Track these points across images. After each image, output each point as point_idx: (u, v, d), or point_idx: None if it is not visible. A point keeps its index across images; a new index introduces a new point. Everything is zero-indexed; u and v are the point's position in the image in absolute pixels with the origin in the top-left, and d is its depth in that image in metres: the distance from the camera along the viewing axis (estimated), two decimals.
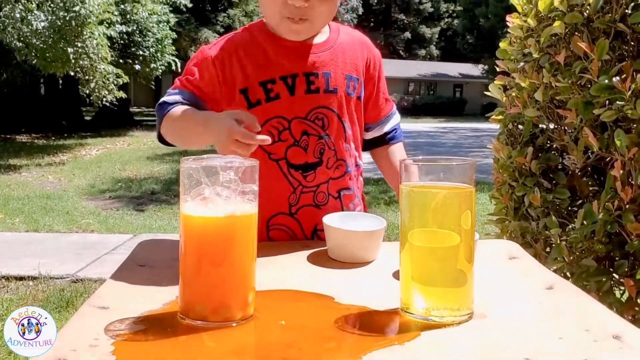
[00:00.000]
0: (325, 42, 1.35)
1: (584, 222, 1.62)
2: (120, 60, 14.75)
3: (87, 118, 21.03)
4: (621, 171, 1.51)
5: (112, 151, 12.30)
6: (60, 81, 17.98)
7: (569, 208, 1.82)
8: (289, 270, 1.11)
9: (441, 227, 0.86)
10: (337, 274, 1.10)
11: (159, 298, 0.92)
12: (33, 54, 10.35)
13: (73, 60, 10.57)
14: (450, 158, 0.89)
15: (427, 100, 36.01)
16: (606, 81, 1.52)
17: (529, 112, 1.85)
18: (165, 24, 16.16)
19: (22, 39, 10.10)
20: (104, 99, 11.97)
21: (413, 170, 0.90)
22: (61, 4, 10.14)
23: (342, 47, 1.37)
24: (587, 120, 1.62)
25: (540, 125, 1.92)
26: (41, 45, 10.16)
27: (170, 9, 16.76)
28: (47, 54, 10.38)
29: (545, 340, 0.79)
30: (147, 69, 16.26)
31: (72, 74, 11.55)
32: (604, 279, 1.61)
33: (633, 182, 1.51)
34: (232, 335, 0.82)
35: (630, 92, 1.47)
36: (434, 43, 46.65)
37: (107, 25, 12.20)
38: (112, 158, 10.97)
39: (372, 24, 43.69)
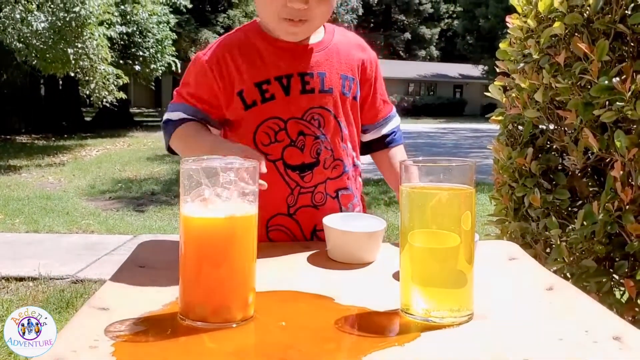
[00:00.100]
0: (320, 43, 1.35)
1: (584, 222, 1.62)
2: (120, 61, 14.77)
3: (87, 119, 21.04)
4: (621, 172, 1.51)
5: (112, 152, 12.30)
6: (61, 82, 17.98)
7: (569, 209, 1.82)
8: (289, 271, 1.11)
9: (441, 228, 0.86)
10: (337, 274, 1.10)
11: (159, 299, 0.92)
12: (33, 54, 10.35)
13: (73, 61, 10.58)
14: (450, 159, 0.89)
15: (427, 101, 36.02)
16: (606, 82, 1.52)
17: (529, 112, 1.85)
18: (165, 24, 16.18)
19: (22, 39, 10.11)
20: (104, 100, 11.97)
21: (413, 171, 0.90)
22: (61, 5, 10.15)
23: (336, 48, 1.37)
24: (587, 121, 1.63)
25: (540, 126, 1.92)
26: (41, 46, 10.17)
27: (170, 9, 16.78)
28: (47, 55, 10.38)
29: (545, 341, 0.79)
30: (147, 70, 16.28)
31: (72, 74, 11.56)
32: (604, 280, 1.61)
33: (633, 183, 1.51)
34: (232, 336, 0.82)
35: (630, 93, 1.47)
36: (434, 44, 46.66)
37: (107, 26, 12.21)
38: (112, 159, 10.97)
39: (372, 24, 43.71)
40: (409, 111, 31.63)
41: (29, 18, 9.98)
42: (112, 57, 12.16)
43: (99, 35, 11.06)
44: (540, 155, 1.89)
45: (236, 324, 0.84)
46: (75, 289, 3.62)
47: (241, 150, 1.17)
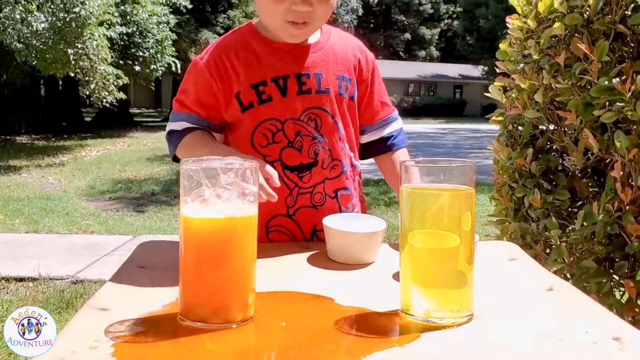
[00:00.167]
0: (316, 44, 1.36)
1: (584, 223, 1.62)
2: (120, 62, 14.77)
3: (87, 119, 21.05)
4: (621, 172, 1.51)
5: (112, 152, 12.31)
6: (60, 82, 17.98)
7: (569, 209, 1.82)
8: (289, 272, 1.11)
9: (441, 228, 0.86)
10: (337, 275, 1.10)
11: (159, 299, 0.92)
12: (33, 55, 10.35)
13: (73, 62, 10.58)
14: (451, 159, 0.89)
15: (427, 102, 36.02)
16: (606, 82, 1.52)
17: (529, 113, 1.85)
18: (165, 25, 16.18)
19: (22, 40, 10.11)
20: (104, 100, 11.96)
21: (413, 172, 0.90)
22: (61, 5, 10.15)
23: (333, 48, 1.37)
24: (587, 121, 1.62)
25: (540, 127, 1.92)
26: (41, 46, 10.17)
27: (170, 10, 16.77)
28: (47, 55, 10.38)
29: (545, 341, 0.79)
30: (147, 70, 16.28)
31: (72, 75, 11.56)
32: (604, 280, 1.61)
33: (633, 184, 1.51)
34: (232, 336, 0.82)
35: (630, 93, 1.47)
36: (434, 44, 46.65)
37: (107, 26, 12.21)
38: (112, 159, 10.97)
39: (372, 25, 43.71)
40: (409, 112, 31.61)
41: (29, 18, 9.98)
42: (112, 57, 12.16)
43: (99, 36, 11.06)
44: (540, 155, 1.89)
45: (236, 325, 0.84)
46: (75, 290, 3.62)
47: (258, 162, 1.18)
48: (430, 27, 45.60)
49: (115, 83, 11.98)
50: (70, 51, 10.36)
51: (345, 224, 1.19)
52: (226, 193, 0.84)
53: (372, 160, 1.53)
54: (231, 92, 1.31)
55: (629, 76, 1.48)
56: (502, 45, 2.07)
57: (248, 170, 0.86)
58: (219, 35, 20.26)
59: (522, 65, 1.92)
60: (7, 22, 9.93)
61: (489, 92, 2.11)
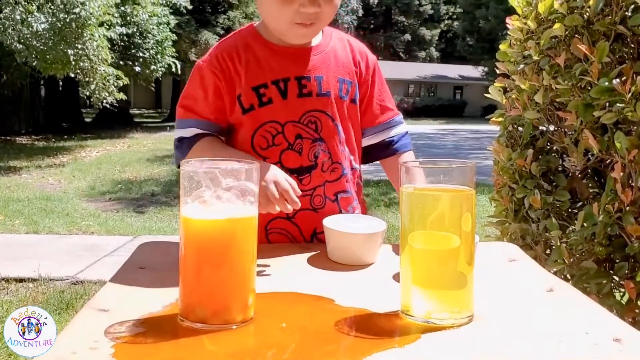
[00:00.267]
0: (317, 46, 1.36)
1: (584, 224, 1.62)
2: (121, 62, 14.77)
3: (87, 120, 21.07)
4: (621, 173, 1.51)
5: (112, 153, 12.31)
6: (61, 83, 18.01)
7: (569, 210, 1.82)
8: (289, 273, 1.11)
9: (441, 229, 0.86)
10: (337, 276, 1.10)
11: (159, 300, 0.92)
12: (33, 55, 10.36)
13: (73, 62, 10.58)
14: (451, 160, 0.89)
15: (427, 102, 36.03)
16: (606, 83, 1.52)
17: (529, 114, 1.85)
18: (165, 25, 16.19)
19: (22, 40, 10.11)
20: (104, 101, 11.96)
21: (413, 173, 0.90)
22: (61, 6, 10.16)
23: (334, 51, 1.37)
24: (587, 122, 1.62)
25: (540, 128, 1.92)
26: (41, 47, 10.17)
27: (170, 10, 16.79)
28: (48, 56, 10.39)
29: (545, 342, 0.79)
30: (147, 71, 16.29)
31: (72, 75, 11.56)
32: (604, 281, 1.61)
33: (633, 184, 1.51)
34: (232, 337, 0.82)
35: (630, 94, 1.47)
36: (434, 45, 46.68)
37: (107, 27, 12.22)
38: (112, 160, 10.97)
39: (372, 25, 43.75)
40: (409, 112, 31.59)
41: (29, 19, 9.99)
42: (112, 58, 12.16)
43: (99, 37, 11.07)
44: (540, 156, 1.89)
45: (236, 326, 0.84)
46: (75, 290, 3.62)
47: (280, 170, 1.22)
48: (430, 28, 45.62)
49: (116, 84, 11.98)
50: (70, 52, 10.37)
51: (345, 224, 1.19)
52: (226, 194, 0.84)
53: (370, 161, 1.52)
54: (234, 93, 1.31)
55: (629, 77, 1.48)
56: (502, 46, 2.07)
57: (249, 172, 0.86)
58: (219, 36, 20.29)
59: (522, 66, 1.92)
60: (8, 22, 9.93)
61: (489, 93, 2.11)
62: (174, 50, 16.78)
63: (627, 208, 1.50)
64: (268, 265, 1.14)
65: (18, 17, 9.91)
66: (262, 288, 0.94)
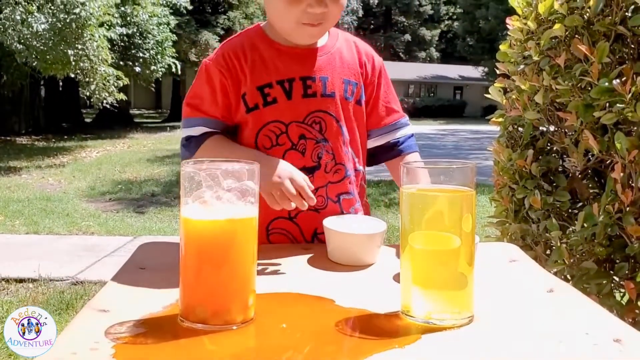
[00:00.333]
0: (323, 47, 1.36)
1: (585, 224, 1.62)
2: (121, 62, 14.78)
3: (87, 120, 21.08)
4: (621, 174, 1.51)
5: (112, 153, 12.30)
6: (61, 83, 18.01)
7: (570, 210, 1.82)
8: (289, 273, 1.11)
9: (442, 230, 0.86)
10: (338, 276, 1.10)
11: (159, 301, 0.92)
12: (33, 56, 10.36)
13: (73, 63, 10.58)
14: (451, 161, 0.89)
15: (427, 103, 36.02)
16: (606, 84, 1.52)
17: (529, 114, 1.85)
18: (166, 26, 16.20)
19: (22, 41, 10.11)
20: (104, 101, 11.97)
21: (413, 173, 0.90)
22: (62, 6, 10.16)
23: (340, 52, 1.37)
24: (587, 122, 1.62)
25: (540, 128, 1.92)
26: (41, 47, 10.18)
27: (171, 11, 16.80)
28: (48, 56, 10.39)
29: (545, 343, 0.79)
30: (148, 71, 16.29)
31: (72, 76, 11.56)
32: (604, 282, 1.61)
33: (633, 185, 1.51)
34: (233, 338, 0.82)
35: (630, 94, 1.47)
36: (434, 45, 46.69)
37: (107, 27, 12.22)
38: (112, 160, 10.97)
39: (372, 26, 43.77)
40: (409, 113, 30.71)
41: (30, 19, 9.99)
42: (112, 58, 12.17)
43: (99, 37, 11.07)
44: (540, 157, 1.89)
45: (236, 326, 0.84)
46: (75, 291, 3.62)
47: (292, 167, 1.24)
48: (430, 28, 45.63)
49: (116, 84, 11.99)
50: (70, 52, 10.37)
51: (345, 225, 1.19)
52: (227, 195, 0.84)
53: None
54: (239, 92, 1.31)
55: (629, 77, 1.48)
56: (502, 47, 2.07)
57: (249, 172, 0.86)
58: (219, 36, 20.30)
59: (522, 66, 1.92)
60: (8, 23, 9.94)
61: (489, 93, 2.11)
62: (174, 50, 16.79)
63: (627, 208, 1.50)
64: (268, 265, 1.14)
65: (18, 17, 9.91)
66: (262, 289, 0.94)
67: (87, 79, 11.39)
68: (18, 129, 15.99)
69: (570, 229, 1.77)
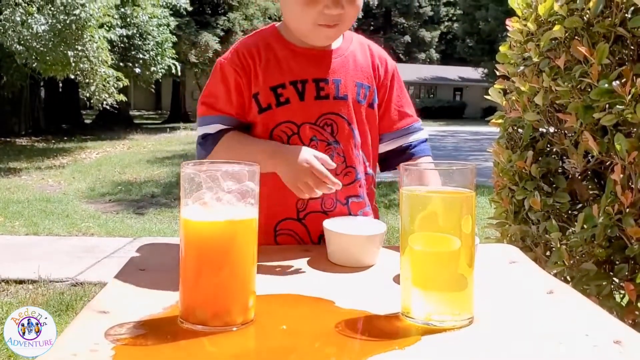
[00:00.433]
0: (337, 50, 1.36)
1: (584, 226, 1.62)
2: (121, 64, 14.77)
3: (87, 121, 21.08)
4: (621, 175, 1.51)
5: (112, 154, 12.30)
6: (61, 84, 18.01)
7: (569, 212, 1.82)
8: (289, 275, 1.11)
9: (441, 231, 0.86)
10: (338, 278, 1.10)
11: (159, 302, 0.92)
12: (33, 57, 10.36)
13: (73, 64, 10.58)
14: (451, 162, 0.89)
15: (427, 104, 35.99)
16: (606, 85, 1.52)
17: (529, 116, 1.85)
18: (165, 27, 16.20)
19: (22, 42, 10.11)
20: (104, 102, 11.96)
21: (413, 175, 0.90)
22: (61, 8, 10.16)
23: (353, 55, 1.38)
24: (587, 124, 1.63)
25: (540, 129, 1.92)
26: (41, 48, 10.17)
27: (170, 12, 16.79)
28: (48, 58, 10.38)
29: (545, 344, 0.79)
30: (147, 72, 16.29)
31: (72, 77, 11.56)
32: (604, 283, 1.61)
33: (633, 186, 1.51)
34: (233, 340, 0.82)
35: (630, 96, 1.47)
36: (434, 46, 46.72)
37: (107, 28, 12.21)
38: (112, 161, 10.97)
39: (372, 27, 43.75)
40: None
41: (30, 21, 9.99)
42: (112, 59, 12.16)
43: (99, 38, 11.07)
44: (540, 158, 1.89)
45: (236, 328, 0.84)
46: (75, 292, 3.62)
47: (310, 150, 1.25)
48: (430, 30, 45.65)
49: (116, 85, 11.98)
50: (70, 53, 10.37)
51: (345, 226, 1.19)
52: (227, 196, 0.85)
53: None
54: (252, 91, 1.32)
55: (629, 79, 1.48)
56: (502, 48, 2.07)
57: (249, 173, 0.86)
58: (219, 37, 20.31)
59: (522, 67, 1.92)
60: (8, 24, 9.94)
61: (489, 94, 2.11)
62: (173, 51, 16.79)
63: (627, 210, 1.50)
64: (268, 267, 1.14)
65: (18, 18, 9.91)
66: (262, 290, 0.94)
67: (87, 80, 11.38)
68: (18, 130, 15.98)
69: (570, 231, 1.77)
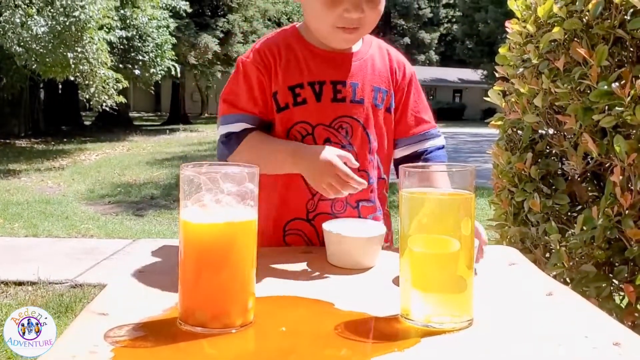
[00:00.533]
0: (356, 53, 1.36)
1: (584, 227, 1.62)
2: (120, 65, 14.76)
3: (87, 123, 21.07)
4: (620, 177, 1.51)
5: (111, 156, 12.30)
6: (60, 86, 17.99)
7: (569, 214, 1.82)
8: (289, 276, 1.11)
9: (441, 233, 0.86)
10: (337, 280, 1.10)
11: (158, 304, 0.92)
12: (33, 59, 10.35)
13: (73, 65, 10.58)
14: (450, 164, 0.89)
15: None
16: (605, 87, 1.52)
17: (528, 117, 1.85)
18: (165, 29, 16.20)
19: (22, 44, 10.11)
20: (104, 104, 11.95)
21: (413, 176, 0.90)
22: (61, 9, 10.16)
23: (372, 59, 1.38)
24: (586, 126, 1.63)
25: (539, 131, 1.92)
26: (41, 50, 10.17)
27: (170, 14, 16.80)
28: (47, 59, 10.38)
29: (544, 346, 0.79)
30: (147, 74, 16.28)
31: (72, 78, 11.55)
32: (603, 285, 1.61)
33: (632, 188, 1.51)
34: (232, 341, 0.82)
35: (629, 98, 1.47)
36: (434, 48, 46.74)
37: (107, 30, 12.21)
38: (111, 163, 10.97)
39: None
40: None
41: (29, 22, 9.99)
42: (111, 61, 12.16)
43: (99, 40, 11.06)
44: (539, 160, 1.89)
45: (236, 330, 0.84)
46: (75, 294, 3.62)
47: (333, 150, 1.24)
48: (429, 31, 45.67)
49: (115, 87, 11.98)
50: (70, 55, 10.36)
51: (344, 228, 1.19)
52: (226, 198, 0.85)
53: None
54: (271, 89, 1.32)
55: (628, 80, 1.48)
56: (502, 50, 2.07)
57: (248, 175, 0.86)
58: (219, 39, 20.33)
59: (521, 69, 1.93)
60: (7, 25, 9.93)
61: (488, 96, 2.11)
62: (173, 53, 16.78)
63: (627, 212, 1.50)
64: (268, 269, 1.14)
65: (18, 20, 9.91)
66: (261, 292, 0.94)
67: (86, 82, 11.38)
68: (17, 132, 15.97)
69: (570, 232, 1.77)
